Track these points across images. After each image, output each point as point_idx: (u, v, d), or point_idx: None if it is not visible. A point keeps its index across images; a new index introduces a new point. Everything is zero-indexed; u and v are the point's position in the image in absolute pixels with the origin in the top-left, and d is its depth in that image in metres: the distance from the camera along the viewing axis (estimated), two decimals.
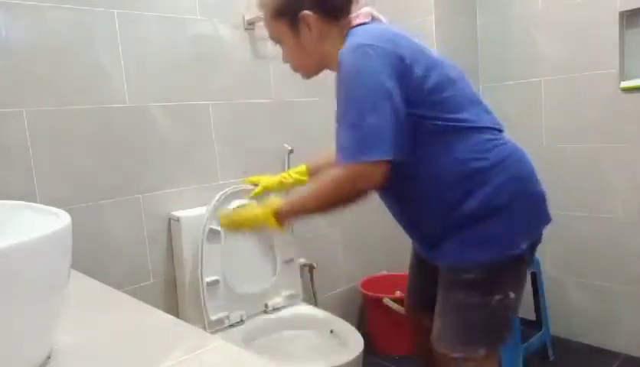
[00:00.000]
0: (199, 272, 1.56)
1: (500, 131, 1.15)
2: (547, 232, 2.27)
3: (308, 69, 1.23)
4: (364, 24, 1.13)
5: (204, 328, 1.56)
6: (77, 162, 1.49)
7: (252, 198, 1.63)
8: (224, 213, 1.40)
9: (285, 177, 1.60)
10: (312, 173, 1.52)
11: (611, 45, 1.95)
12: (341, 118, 1.04)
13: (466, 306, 1.10)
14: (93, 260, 1.51)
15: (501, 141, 1.12)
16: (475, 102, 1.12)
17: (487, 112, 1.15)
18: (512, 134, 2.33)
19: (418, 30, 2.10)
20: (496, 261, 1.07)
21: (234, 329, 1.60)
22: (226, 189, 1.62)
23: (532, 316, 2.13)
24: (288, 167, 1.95)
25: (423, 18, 2.08)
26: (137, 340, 0.70)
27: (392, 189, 1.14)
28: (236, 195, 1.63)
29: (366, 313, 2.27)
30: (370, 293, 2.16)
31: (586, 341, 2.20)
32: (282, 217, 1.15)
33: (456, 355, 1.11)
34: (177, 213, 1.65)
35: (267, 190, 1.64)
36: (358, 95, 1.01)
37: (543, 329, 2.09)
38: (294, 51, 1.19)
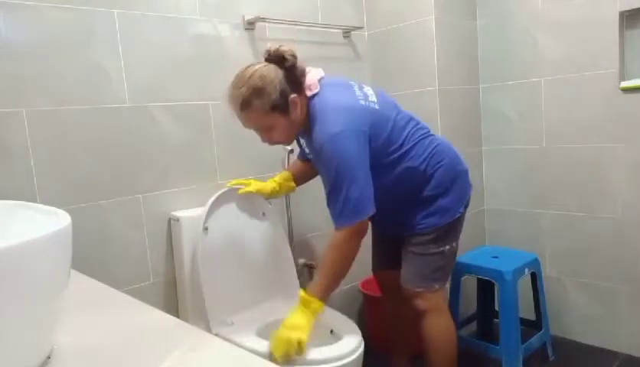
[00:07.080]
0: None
1: (429, 132, 1.57)
2: (547, 232, 2.31)
3: (292, 138, 1.51)
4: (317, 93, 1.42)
5: (208, 329, 1.56)
6: (77, 162, 1.49)
7: (241, 194, 1.65)
8: (275, 345, 1.33)
9: (278, 184, 1.68)
10: (296, 179, 1.72)
11: (611, 45, 1.95)
12: (331, 192, 1.37)
13: (426, 256, 1.57)
14: (93, 260, 1.51)
15: (432, 145, 1.53)
16: (409, 123, 1.51)
17: (418, 124, 1.54)
18: (512, 134, 2.33)
19: (418, 30, 2.11)
20: (447, 222, 1.55)
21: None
22: (221, 191, 1.63)
23: (532, 316, 2.13)
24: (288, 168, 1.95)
25: (423, 18, 2.08)
26: (137, 340, 0.70)
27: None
28: (228, 196, 1.63)
29: (366, 313, 2.27)
30: (370, 293, 2.16)
31: (586, 341, 2.20)
32: (323, 301, 1.39)
33: (419, 290, 1.58)
34: (177, 213, 1.65)
35: (260, 193, 1.67)
36: (343, 174, 1.33)
37: (542, 329, 2.09)
38: (286, 129, 1.42)
